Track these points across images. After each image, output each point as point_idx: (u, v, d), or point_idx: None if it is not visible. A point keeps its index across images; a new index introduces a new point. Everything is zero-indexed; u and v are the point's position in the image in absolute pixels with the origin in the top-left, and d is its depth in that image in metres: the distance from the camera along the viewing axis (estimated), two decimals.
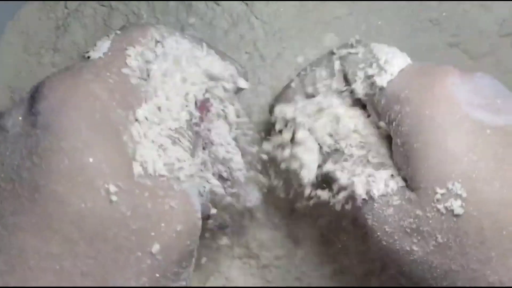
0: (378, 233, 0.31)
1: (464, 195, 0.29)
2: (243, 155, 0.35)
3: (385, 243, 0.31)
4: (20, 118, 0.25)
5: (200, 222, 0.28)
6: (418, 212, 0.30)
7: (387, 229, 0.31)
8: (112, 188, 0.24)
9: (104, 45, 0.28)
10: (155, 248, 0.25)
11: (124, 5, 0.48)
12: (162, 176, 0.27)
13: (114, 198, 0.24)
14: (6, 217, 0.23)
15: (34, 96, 0.25)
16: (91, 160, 0.24)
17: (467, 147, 0.29)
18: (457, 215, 0.29)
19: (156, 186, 0.26)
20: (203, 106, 0.32)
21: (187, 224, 0.26)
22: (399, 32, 0.46)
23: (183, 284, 0.27)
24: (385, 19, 0.46)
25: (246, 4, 0.46)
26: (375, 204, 0.32)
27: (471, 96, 0.30)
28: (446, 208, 0.29)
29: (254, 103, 0.45)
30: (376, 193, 0.32)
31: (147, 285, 0.25)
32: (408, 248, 0.30)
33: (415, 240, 0.30)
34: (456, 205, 0.29)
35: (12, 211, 0.23)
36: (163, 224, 0.25)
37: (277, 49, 0.45)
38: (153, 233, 0.25)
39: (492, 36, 0.46)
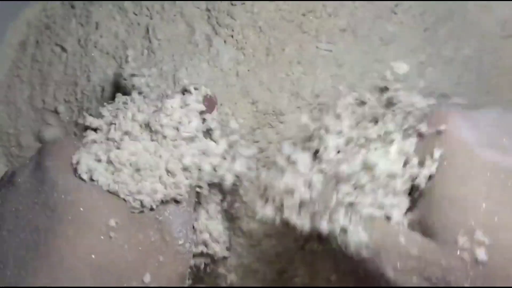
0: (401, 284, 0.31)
1: (487, 242, 0.29)
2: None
3: None
4: (28, 176, 0.30)
5: (185, 253, 0.32)
6: (442, 261, 0.30)
7: (411, 280, 0.31)
8: (112, 223, 0.29)
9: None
10: (147, 277, 0.29)
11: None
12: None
13: (112, 234, 0.29)
14: (25, 261, 0.27)
15: (41, 158, 0.30)
16: (92, 206, 0.28)
17: (485, 194, 0.29)
18: (482, 263, 0.29)
19: (144, 221, 0.31)
20: None
21: (168, 254, 0.30)
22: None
23: None
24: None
25: None
26: (393, 256, 0.31)
27: (479, 136, 0.31)
28: (470, 256, 0.29)
29: None
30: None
31: None
32: None
33: None
34: (480, 253, 0.29)
35: (30, 256, 0.27)
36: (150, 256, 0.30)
37: None
38: (144, 264, 0.29)
39: (494, 37, 0.47)
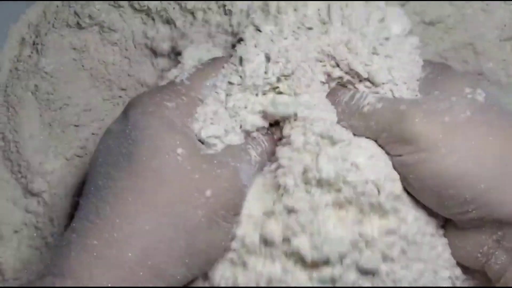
0: None
1: None
2: None
3: None
4: (118, 122, 0.36)
5: (243, 188, 0.36)
6: None
7: None
8: (179, 151, 0.34)
9: (185, 74, 0.38)
10: (208, 192, 0.34)
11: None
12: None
13: (179, 158, 0.34)
14: (115, 181, 0.33)
15: (127, 107, 0.36)
16: (165, 137, 0.34)
17: None
18: None
19: (210, 158, 0.35)
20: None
21: (231, 182, 0.35)
22: None
23: (229, 227, 0.35)
24: None
25: None
26: None
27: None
28: None
29: None
30: None
31: (203, 219, 0.33)
32: None
33: None
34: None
35: (117, 177, 0.34)
36: (214, 179, 0.34)
37: None
38: (206, 183, 0.34)
39: (493, 40, 0.46)
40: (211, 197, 0.34)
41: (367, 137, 0.36)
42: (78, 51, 0.49)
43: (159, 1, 0.47)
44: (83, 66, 0.49)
